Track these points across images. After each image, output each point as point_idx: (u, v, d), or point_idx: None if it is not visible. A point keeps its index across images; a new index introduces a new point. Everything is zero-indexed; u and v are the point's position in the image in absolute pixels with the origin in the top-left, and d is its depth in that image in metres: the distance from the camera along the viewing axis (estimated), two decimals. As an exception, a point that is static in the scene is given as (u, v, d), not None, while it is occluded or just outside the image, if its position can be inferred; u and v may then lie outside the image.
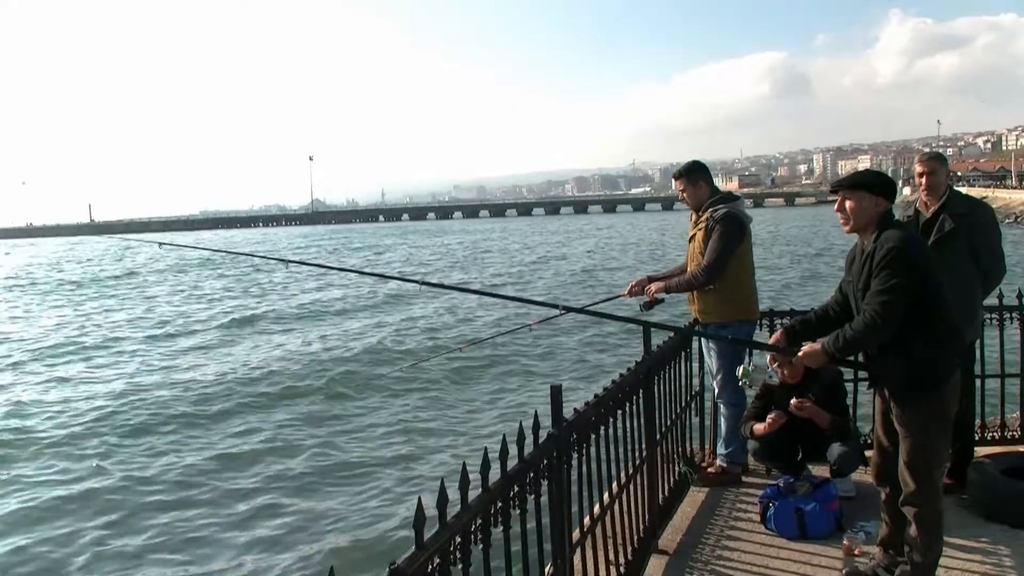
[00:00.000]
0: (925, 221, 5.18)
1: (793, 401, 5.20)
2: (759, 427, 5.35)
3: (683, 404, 5.49)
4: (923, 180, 5.25)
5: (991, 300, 5.80)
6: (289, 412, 13.83)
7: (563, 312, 5.12)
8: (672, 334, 5.35)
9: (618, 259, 44.60)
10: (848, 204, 3.82)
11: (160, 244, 7.18)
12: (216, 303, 30.10)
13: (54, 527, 9.20)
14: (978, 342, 5.61)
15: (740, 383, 4.78)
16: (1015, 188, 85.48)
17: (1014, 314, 6.03)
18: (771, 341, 4.23)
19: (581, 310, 5.49)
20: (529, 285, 33.14)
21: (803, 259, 39.90)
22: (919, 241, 4.05)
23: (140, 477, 10.84)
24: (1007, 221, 58.53)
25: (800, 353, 3.93)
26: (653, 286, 5.65)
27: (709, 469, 5.74)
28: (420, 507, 2.15)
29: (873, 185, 3.82)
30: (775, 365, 4.28)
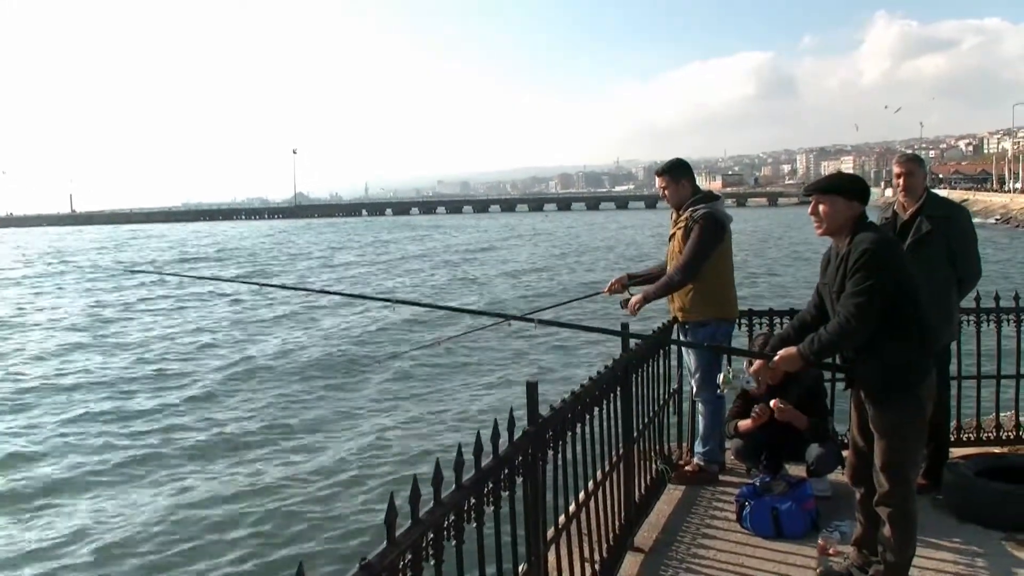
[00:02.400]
0: (902, 223, 5.20)
1: (772, 403, 5.23)
2: (744, 423, 5.38)
3: (661, 402, 5.49)
4: (901, 181, 5.27)
5: (969, 302, 5.84)
6: (257, 409, 13.78)
7: (537, 323, 5.06)
8: (654, 331, 5.35)
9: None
10: (822, 208, 3.84)
11: (132, 271, 7.19)
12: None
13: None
14: (955, 344, 5.65)
15: (719, 391, 4.78)
16: (996, 191, 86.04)
17: (991, 316, 6.08)
18: (753, 369, 4.22)
19: (556, 323, 5.45)
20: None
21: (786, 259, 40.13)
22: (893, 243, 4.06)
23: (102, 473, 10.85)
24: (989, 222, 59.08)
25: (776, 357, 3.93)
26: (633, 300, 5.61)
27: (686, 467, 5.75)
28: (392, 503, 2.14)
29: (847, 189, 3.83)
30: (752, 371, 4.28)
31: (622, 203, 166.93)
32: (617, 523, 4.43)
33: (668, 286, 5.56)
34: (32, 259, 53.04)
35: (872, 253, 3.61)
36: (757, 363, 4.17)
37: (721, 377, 4.42)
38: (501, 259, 46.30)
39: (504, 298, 27.36)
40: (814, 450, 5.27)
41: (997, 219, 62.33)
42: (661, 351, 5.42)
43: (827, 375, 5.66)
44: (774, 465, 5.36)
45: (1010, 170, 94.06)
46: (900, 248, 4.29)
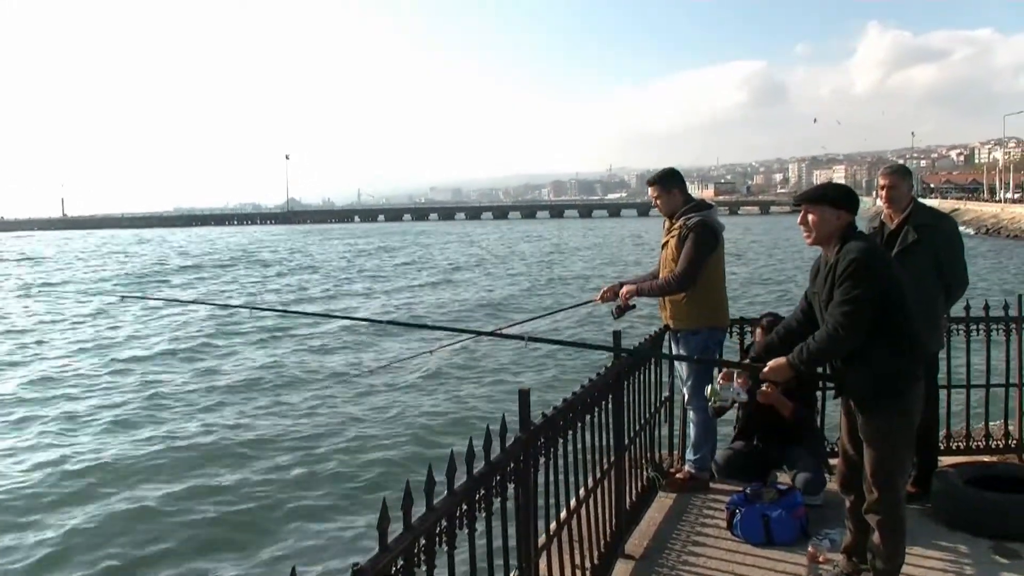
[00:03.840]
0: (889, 232, 5.24)
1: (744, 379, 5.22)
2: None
3: (652, 410, 5.51)
4: (884, 193, 5.31)
5: (958, 311, 5.88)
6: (252, 415, 13.75)
7: (527, 341, 5.02)
8: (644, 339, 5.37)
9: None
10: (811, 217, 3.87)
11: (122, 297, 7.27)
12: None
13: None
14: (944, 353, 5.68)
15: (709, 403, 4.74)
16: (986, 200, 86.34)
17: (980, 325, 6.11)
18: (739, 381, 4.23)
19: (546, 340, 5.45)
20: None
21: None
22: (881, 252, 4.10)
23: (94, 472, 10.88)
24: (979, 232, 59.34)
25: (766, 368, 3.96)
26: (624, 289, 5.66)
27: (677, 475, 5.75)
28: (384, 509, 2.15)
29: (835, 198, 3.87)
30: (740, 382, 4.30)
31: (615, 211, 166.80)
32: (608, 530, 4.44)
33: (663, 288, 5.57)
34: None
35: (860, 262, 3.64)
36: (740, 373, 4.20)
37: (709, 389, 4.41)
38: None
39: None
40: (800, 476, 5.29)
41: (987, 229, 62.53)
42: (653, 358, 5.44)
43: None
44: (761, 478, 5.37)
45: (1001, 180, 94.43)
46: (888, 257, 4.32)
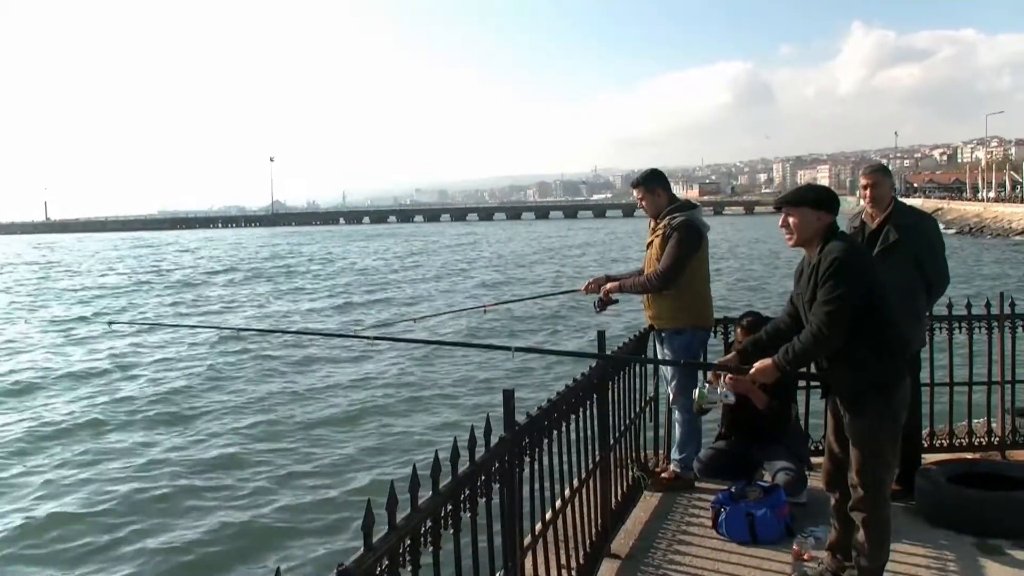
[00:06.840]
0: (870, 232, 5.26)
1: (728, 377, 5.22)
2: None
3: (638, 409, 5.51)
4: (867, 192, 5.34)
5: (940, 310, 5.91)
6: (236, 420, 13.70)
7: (514, 352, 5.00)
8: (628, 339, 5.38)
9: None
10: (791, 220, 3.91)
11: (110, 323, 7.29)
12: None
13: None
14: (926, 351, 5.71)
15: (695, 405, 4.71)
16: (969, 200, 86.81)
17: (963, 323, 6.15)
18: (729, 379, 4.23)
19: (533, 350, 5.49)
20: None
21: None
22: (862, 252, 4.12)
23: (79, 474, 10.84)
24: (956, 231, 59.75)
25: (752, 370, 3.98)
26: (608, 285, 5.69)
27: (663, 474, 5.77)
28: (369, 509, 2.15)
29: (814, 200, 3.91)
30: (730, 381, 4.30)
31: (600, 212, 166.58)
32: (594, 530, 4.44)
33: (644, 286, 5.60)
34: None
35: (841, 262, 3.67)
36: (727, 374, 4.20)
37: (696, 393, 4.41)
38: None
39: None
40: (781, 476, 5.30)
41: (970, 228, 62.95)
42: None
43: (802, 382, 5.70)
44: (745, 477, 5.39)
45: (983, 179, 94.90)
46: (870, 256, 4.35)
